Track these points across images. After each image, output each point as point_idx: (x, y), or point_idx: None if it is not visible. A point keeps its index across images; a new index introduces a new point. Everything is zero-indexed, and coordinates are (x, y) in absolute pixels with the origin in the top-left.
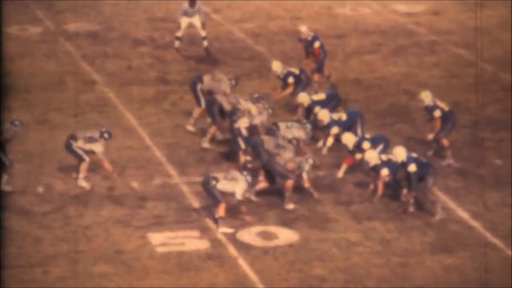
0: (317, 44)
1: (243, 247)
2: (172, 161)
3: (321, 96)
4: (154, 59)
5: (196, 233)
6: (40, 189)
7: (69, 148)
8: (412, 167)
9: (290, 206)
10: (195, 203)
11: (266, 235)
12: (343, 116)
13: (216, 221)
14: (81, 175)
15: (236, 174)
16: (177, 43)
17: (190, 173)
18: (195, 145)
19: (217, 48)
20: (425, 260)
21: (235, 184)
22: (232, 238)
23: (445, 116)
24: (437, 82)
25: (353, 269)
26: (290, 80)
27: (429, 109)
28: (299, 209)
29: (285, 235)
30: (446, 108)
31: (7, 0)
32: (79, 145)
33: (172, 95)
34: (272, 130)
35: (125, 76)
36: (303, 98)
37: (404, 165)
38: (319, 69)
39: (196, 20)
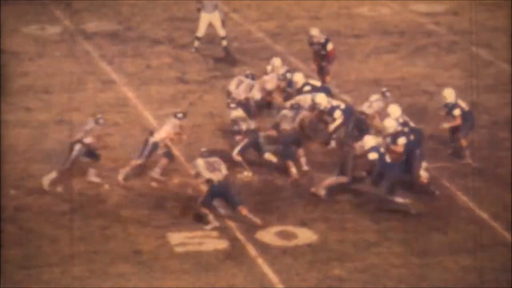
0: (330, 46)
1: (262, 247)
2: (191, 161)
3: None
4: (172, 59)
5: (214, 233)
6: (59, 189)
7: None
8: (372, 155)
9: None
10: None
11: (285, 235)
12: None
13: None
14: (157, 170)
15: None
16: (196, 43)
17: None
18: (212, 145)
19: (236, 48)
20: (444, 261)
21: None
22: (251, 237)
23: (465, 116)
24: (456, 82)
25: (371, 269)
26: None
27: (450, 107)
28: (317, 209)
29: (304, 235)
30: (467, 108)
31: (25, 0)
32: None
33: (191, 94)
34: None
35: (144, 76)
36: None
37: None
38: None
39: (216, 19)
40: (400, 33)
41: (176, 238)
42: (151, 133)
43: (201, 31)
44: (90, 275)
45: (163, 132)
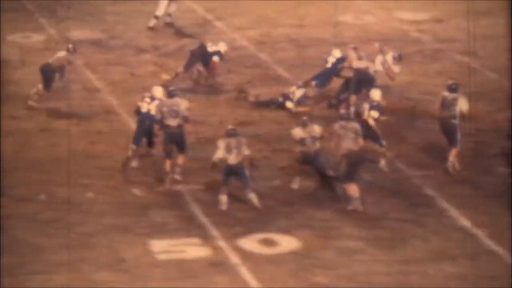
0: (216, 59)
1: (245, 255)
2: None
3: None
4: (157, 67)
5: (197, 240)
6: (43, 197)
7: None
8: None
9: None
10: (197, 211)
11: (268, 243)
12: None
13: None
14: None
15: None
16: (153, 22)
17: (193, 181)
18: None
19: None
20: (428, 268)
21: None
22: (234, 245)
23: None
24: (441, 90)
25: (355, 277)
26: None
27: None
28: (300, 216)
29: (287, 243)
30: None
31: (8, 8)
32: None
33: None
34: None
35: (128, 84)
36: None
37: None
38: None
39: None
40: (385, 41)
41: (158, 245)
42: None
43: (160, 11)
44: (73, 283)
45: None
